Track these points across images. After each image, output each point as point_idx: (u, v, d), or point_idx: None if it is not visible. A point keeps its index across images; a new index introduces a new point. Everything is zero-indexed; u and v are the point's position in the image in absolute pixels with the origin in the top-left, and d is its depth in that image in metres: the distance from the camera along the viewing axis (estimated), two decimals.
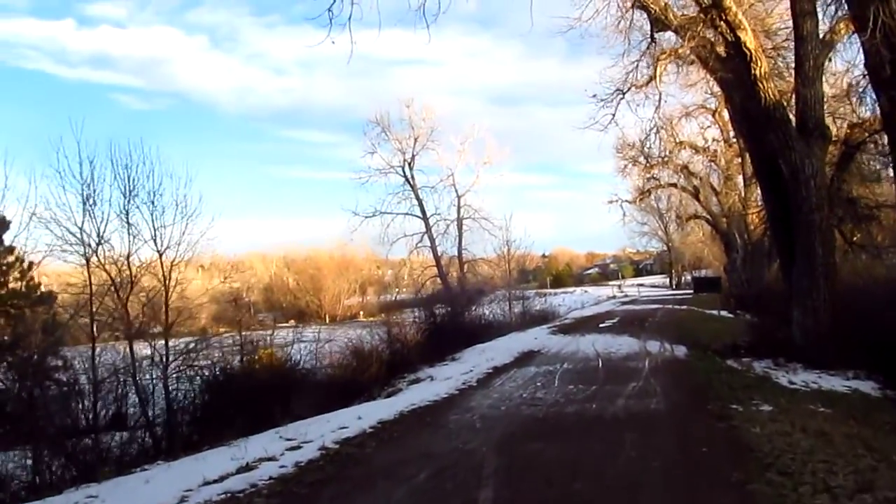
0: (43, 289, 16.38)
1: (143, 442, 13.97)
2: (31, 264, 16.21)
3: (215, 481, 7.20)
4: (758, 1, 19.19)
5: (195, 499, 6.70)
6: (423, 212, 43.42)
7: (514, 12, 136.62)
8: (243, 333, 20.88)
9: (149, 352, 16.22)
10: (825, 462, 6.68)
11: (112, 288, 16.01)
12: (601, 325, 28.10)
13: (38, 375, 14.72)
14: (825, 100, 17.14)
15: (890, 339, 12.60)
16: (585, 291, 73.67)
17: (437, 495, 6.49)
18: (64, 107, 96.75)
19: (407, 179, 43.63)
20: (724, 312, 32.36)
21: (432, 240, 43.25)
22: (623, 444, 7.94)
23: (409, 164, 43.56)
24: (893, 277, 18.44)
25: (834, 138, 17.61)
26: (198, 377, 16.29)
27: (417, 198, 43.52)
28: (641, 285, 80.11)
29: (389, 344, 19.13)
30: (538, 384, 13.26)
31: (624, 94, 19.59)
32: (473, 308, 32.20)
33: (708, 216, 43.35)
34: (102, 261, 15.68)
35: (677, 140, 38.34)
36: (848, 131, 18.46)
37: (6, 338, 14.63)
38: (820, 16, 16.19)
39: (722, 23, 15.55)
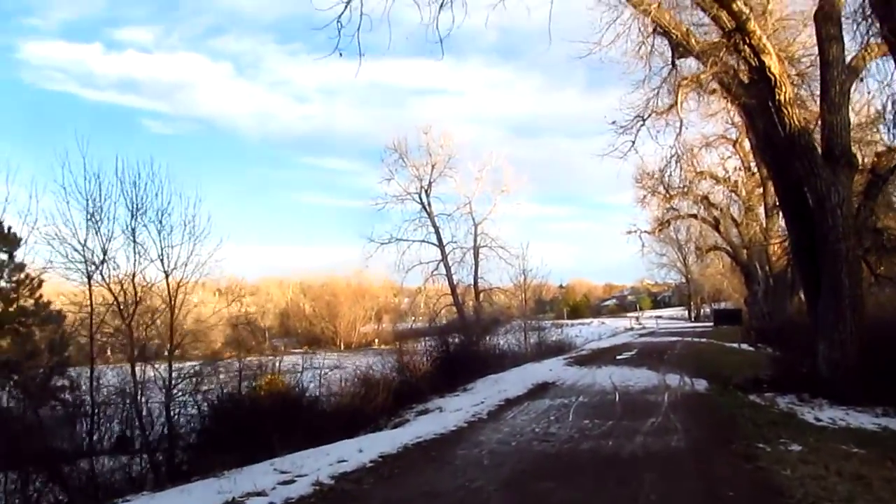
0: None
1: (142, 468, 13.52)
2: (40, 282, 15.96)
3: None
4: (781, 27, 18.80)
5: None
6: (440, 239, 43.05)
7: (535, 44, 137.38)
8: (252, 358, 20.49)
9: (158, 373, 15.89)
10: None
11: (116, 307, 15.69)
12: (618, 357, 27.47)
13: (43, 395, 14.42)
14: (851, 127, 16.63)
15: None
16: (603, 323, 72.95)
17: None
18: (90, 129, 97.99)
19: (423, 206, 43.37)
20: (744, 345, 31.63)
21: (448, 268, 42.83)
22: (642, 485, 7.35)
23: (426, 191, 43.31)
24: None
25: (860, 167, 17.05)
26: (202, 402, 15.89)
27: (434, 225, 43.20)
28: (660, 317, 79.23)
29: (399, 373, 18.59)
30: (552, 418, 12.67)
31: (644, 120, 19.23)
32: (488, 338, 31.66)
33: (728, 247, 42.73)
34: (107, 279, 15.36)
35: (697, 170, 37.91)
36: (875, 159, 17.84)
37: (12, 356, 14.37)
38: (846, 41, 15.74)
39: (746, 47, 15.15)
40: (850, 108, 16.48)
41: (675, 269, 77.77)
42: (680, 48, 17.31)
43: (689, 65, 18.99)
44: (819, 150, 15.45)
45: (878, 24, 10.23)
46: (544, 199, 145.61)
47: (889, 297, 19.50)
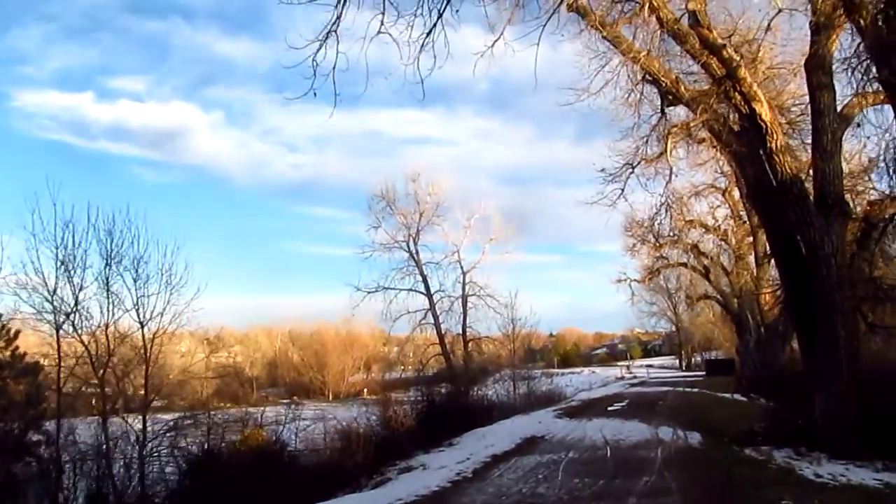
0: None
1: None
2: (17, 333, 15.37)
3: None
4: (772, 76, 18.72)
5: None
6: (428, 288, 42.35)
7: (525, 95, 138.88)
8: (234, 410, 19.89)
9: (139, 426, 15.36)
10: None
11: (88, 359, 15.18)
12: (609, 409, 26.89)
13: (18, 451, 13.88)
14: (843, 176, 16.43)
15: None
16: (593, 372, 72.49)
17: None
18: (81, 177, 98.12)
19: (411, 255, 42.72)
20: (737, 395, 31.22)
21: (436, 317, 42.06)
22: None
23: (414, 239, 42.69)
24: None
25: (853, 215, 16.81)
26: (179, 457, 15.29)
27: (422, 273, 42.53)
28: (650, 366, 78.74)
29: (382, 427, 17.92)
30: (540, 476, 12.07)
31: (633, 168, 19.09)
32: (476, 388, 31.05)
33: (718, 296, 42.50)
34: (78, 329, 14.85)
35: (687, 219, 37.82)
36: (868, 208, 17.62)
37: None
38: (837, 89, 15.60)
39: (736, 94, 14.94)
40: (841, 156, 16.30)
41: (665, 317, 77.42)
42: (669, 96, 17.17)
43: (679, 113, 18.93)
44: (811, 198, 15.18)
45: (874, 69, 9.98)
46: (533, 248, 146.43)
47: (882, 347, 19.14)
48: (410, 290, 42.34)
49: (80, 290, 14.55)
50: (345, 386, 69.81)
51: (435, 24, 9.54)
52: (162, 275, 15.30)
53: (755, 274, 36.65)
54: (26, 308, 14.37)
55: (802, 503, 9.13)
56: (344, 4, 9.16)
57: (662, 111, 18.28)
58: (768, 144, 14.95)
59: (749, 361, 37.49)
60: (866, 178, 19.16)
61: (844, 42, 14.83)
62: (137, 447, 14.90)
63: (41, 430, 14.70)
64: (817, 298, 14.61)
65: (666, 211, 23.34)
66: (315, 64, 9.00)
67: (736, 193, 37.21)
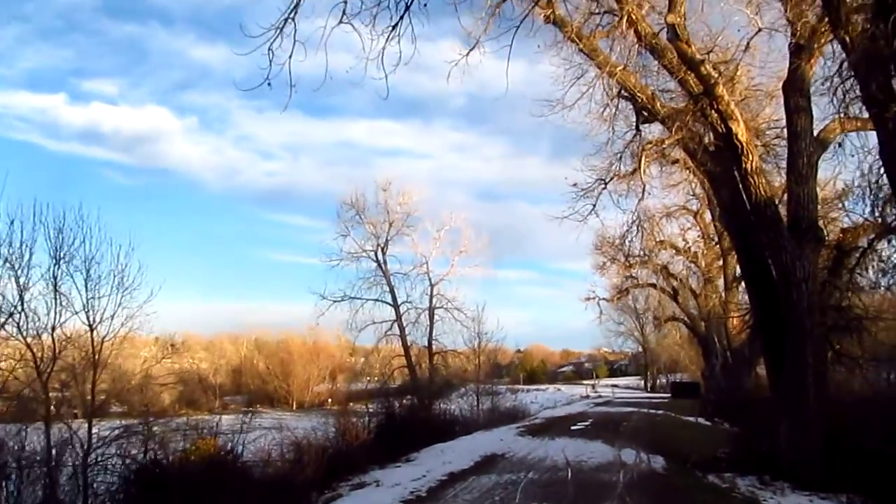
0: None
1: None
2: None
3: None
4: (750, 96, 18.54)
5: None
6: (395, 299, 41.88)
7: (502, 110, 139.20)
8: (193, 417, 19.24)
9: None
10: None
11: (32, 362, 14.40)
12: (573, 428, 26.49)
13: None
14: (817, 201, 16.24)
15: (881, 461, 11.66)
16: (559, 389, 72.33)
17: None
18: (51, 178, 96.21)
19: (379, 265, 42.25)
20: (701, 419, 31.01)
21: (402, 328, 41.57)
22: None
23: (383, 248, 42.25)
24: (882, 393, 17.43)
25: (826, 242, 16.62)
26: (125, 466, 14.53)
27: (389, 284, 42.06)
28: (616, 386, 78.79)
29: (337, 440, 17.27)
30: (496, 498, 11.58)
31: (606, 184, 18.79)
32: (439, 402, 30.51)
33: (686, 319, 42.51)
34: (23, 331, 14.07)
35: (658, 239, 37.75)
36: (840, 235, 17.47)
37: None
38: (815, 113, 15.41)
39: (713, 112, 14.73)
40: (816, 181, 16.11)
41: (632, 337, 77.68)
42: (645, 112, 16.94)
43: (654, 131, 18.70)
44: (785, 222, 14.95)
45: (857, 89, 9.69)
46: (504, 263, 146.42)
47: (846, 377, 18.99)
48: (377, 300, 41.91)
49: (26, 289, 13.73)
50: (309, 395, 69.05)
51: (402, 17, 9.06)
52: (114, 276, 14.51)
53: (724, 298, 36.59)
54: None
55: None
56: None
57: (637, 128, 18.06)
58: (743, 165, 14.72)
59: (714, 385, 37.43)
60: (839, 206, 19.01)
61: (824, 64, 14.69)
62: (81, 455, 14.13)
63: None
64: (787, 324, 14.36)
65: (637, 229, 23.12)
66: (271, 54, 8.51)
67: (707, 216, 37.37)
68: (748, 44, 16.06)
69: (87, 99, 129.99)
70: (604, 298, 41.89)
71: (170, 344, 17.73)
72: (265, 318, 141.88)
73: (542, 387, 75.02)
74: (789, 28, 14.75)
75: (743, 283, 33.45)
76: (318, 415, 26.58)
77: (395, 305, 41.75)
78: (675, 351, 70.10)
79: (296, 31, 8.58)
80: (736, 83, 17.10)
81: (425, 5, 9.08)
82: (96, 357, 15.02)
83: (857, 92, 9.87)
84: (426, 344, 41.72)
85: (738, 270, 34.44)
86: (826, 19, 11.93)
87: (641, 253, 36.04)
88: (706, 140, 16.36)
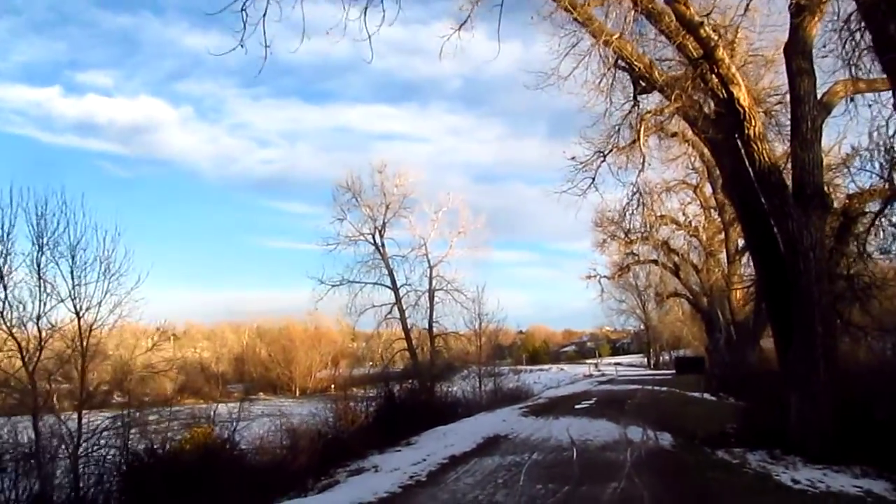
0: None
1: None
2: None
3: None
4: (750, 62, 18.01)
5: None
6: (394, 282, 41.46)
7: (498, 92, 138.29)
8: (190, 406, 18.97)
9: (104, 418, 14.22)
10: None
11: (17, 352, 14.07)
12: (577, 407, 26.10)
13: None
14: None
15: (893, 432, 11.44)
16: (562, 369, 72.16)
17: None
18: (48, 172, 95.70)
19: (377, 248, 41.79)
20: (706, 395, 30.66)
21: (402, 311, 41.16)
22: None
23: (380, 231, 41.77)
24: (888, 363, 17.15)
25: (832, 208, 16.18)
26: (118, 457, 14.21)
27: (387, 267, 41.60)
28: (619, 364, 78.54)
29: (335, 425, 16.88)
30: (499, 482, 11.16)
31: (605, 156, 18.22)
32: (441, 385, 30.18)
33: (688, 294, 42.08)
34: (7, 320, 13.73)
35: (658, 214, 37.24)
36: (847, 201, 17.00)
37: None
38: (817, 78, 14.91)
39: (713, 77, 14.22)
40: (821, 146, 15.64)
41: (634, 315, 77.42)
42: (642, 82, 16.36)
43: (652, 102, 18.17)
44: (789, 189, 14.48)
45: (867, 40, 9.21)
46: (504, 245, 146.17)
47: (851, 348, 18.64)
48: (376, 283, 41.51)
49: (8, 276, 13.33)
50: (312, 382, 69.01)
51: None
52: (100, 263, 14.13)
53: (726, 271, 36.20)
54: None
55: None
56: None
57: (635, 98, 17.47)
58: (746, 131, 14.24)
59: (718, 360, 37.08)
60: (844, 172, 18.56)
61: (825, 26, 14.20)
62: (71, 446, 13.82)
63: None
64: (795, 294, 13.92)
65: (638, 202, 22.55)
66: (245, 15, 8.02)
67: (707, 189, 36.95)
68: (748, 5, 15.50)
69: (81, 91, 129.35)
70: (605, 276, 41.69)
71: (164, 333, 17.30)
72: (266, 306, 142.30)
73: (545, 367, 74.92)
74: None
75: (746, 257, 33.35)
76: (320, 401, 26.26)
77: (395, 288, 41.38)
78: (677, 327, 69.82)
79: None
80: (735, 47, 16.58)
81: None
82: (84, 345, 14.68)
83: (868, 43, 9.39)
84: (427, 327, 41.36)
85: (741, 243, 34.13)
86: None
87: (642, 229, 35.56)
88: (706, 108, 15.85)
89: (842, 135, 18.51)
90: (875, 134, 13.59)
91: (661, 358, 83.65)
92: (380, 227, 41.77)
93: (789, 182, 14.79)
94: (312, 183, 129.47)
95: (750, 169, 14.59)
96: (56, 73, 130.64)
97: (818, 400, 13.49)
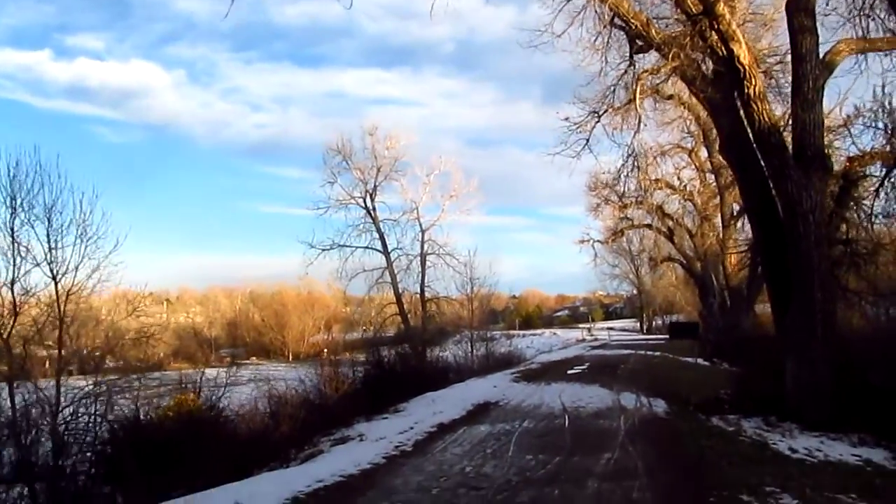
0: None
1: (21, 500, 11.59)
2: None
3: None
4: (750, 20, 17.46)
5: None
6: (385, 246, 40.98)
7: (492, 55, 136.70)
8: (169, 372, 18.70)
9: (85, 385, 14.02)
10: None
11: None
12: (569, 372, 25.84)
13: None
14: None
15: (890, 398, 11.25)
16: (554, 334, 72.18)
17: None
18: (38, 137, 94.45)
19: (368, 211, 41.24)
20: (700, 360, 30.50)
21: (393, 275, 40.75)
22: None
23: (371, 195, 41.19)
24: (882, 328, 16.75)
25: (832, 171, 15.74)
26: (101, 425, 13.88)
27: (378, 231, 41.13)
28: (612, 329, 78.56)
29: (321, 392, 16.50)
30: (488, 451, 10.81)
31: (599, 116, 17.70)
32: (433, 350, 29.90)
33: (682, 259, 41.78)
34: None
35: (652, 178, 36.75)
36: (847, 164, 16.54)
37: None
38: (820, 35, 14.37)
39: (713, 34, 13.66)
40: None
41: (627, 280, 77.46)
42: (638, 41, 15.83)
43: (648, 62, 17.63)
44: (790, 150, 14.02)
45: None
46: (497, 209, 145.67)
47: (845, 312, 18.36)
48: (367, 247, 41.06)
49: None
50: (305, 346, 69.21)
51: None
52: (77, 226, 13.67)
53: (721, 236, 35.88)
54: None
55: (790, 489, 7.93)
56: None
57: (631, 58, 16.91)
58: (746, 90, 13.74)
59: (712, 325, 36.89)
60: (845, 134, 18.08)
61: None
62: (49, 415, 13.48)
63: None
64: (793, 257, 13.54)
65: (633, 165, 22.01)
66: None
67: (703, 153, 36.51)
68: None
69: (72, 55, 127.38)
70: (598, 241, 41.25)
71: (144, 297, 16.87)
72: (259, 272, 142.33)
73: (538, 332, 74.92)
74: None
75: (741, 221, 33.02)
76: (312, 366, 25.98)
77: (386, 252, 40.93)
78: (670, 292, 69.92)
79: None
80: (735, 5, 16.02)
81: None
82: (62, 311, 14.29)
83: None
84: (418, 291, 41.03)
85: (736, 207, 33.78)
86: None
87: (636, 193, 35.09)
88: (705, 67, 15.34)
89: (843, 96, 18.01)
90: (879, 93, 13.10)
91: (654, 323, 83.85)
92: (371, 191, 41.22)
93: (789, 144, 14.37)
94: (305, 148, 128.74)
95: (749, 130, 14.15)
96: (45, 35, 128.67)
97: (816, 366, 13.22)
